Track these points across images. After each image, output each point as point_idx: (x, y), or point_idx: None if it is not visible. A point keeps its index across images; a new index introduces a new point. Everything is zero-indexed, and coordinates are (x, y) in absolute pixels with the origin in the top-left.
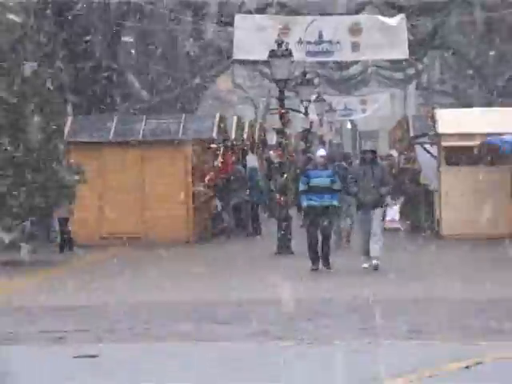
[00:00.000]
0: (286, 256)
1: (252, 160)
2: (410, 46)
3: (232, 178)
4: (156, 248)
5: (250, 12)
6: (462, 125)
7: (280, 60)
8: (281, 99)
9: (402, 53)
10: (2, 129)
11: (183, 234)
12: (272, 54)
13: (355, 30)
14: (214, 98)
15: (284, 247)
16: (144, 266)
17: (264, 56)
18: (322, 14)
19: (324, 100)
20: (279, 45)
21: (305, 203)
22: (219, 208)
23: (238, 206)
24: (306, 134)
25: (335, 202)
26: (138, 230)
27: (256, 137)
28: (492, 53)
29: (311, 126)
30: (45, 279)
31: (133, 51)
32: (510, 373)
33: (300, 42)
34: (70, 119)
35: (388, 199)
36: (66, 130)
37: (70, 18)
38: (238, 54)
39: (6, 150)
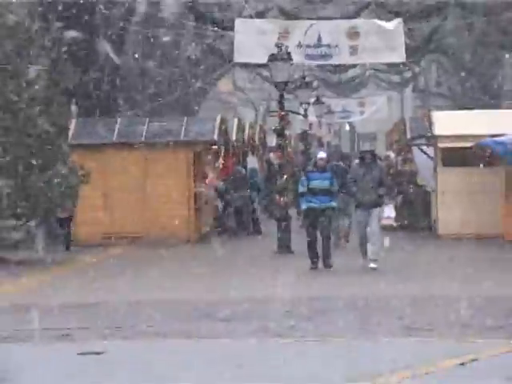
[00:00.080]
0: (285, 255)
1: (252, 161)
2: (406, 49)
3: (233, 178)
4: (158, 247)
5: (250, 16)
6: (457, 127)
7: (280, 63)
8: (280, 101)
9: (399, 56)
10: (7, 130)
11: (185, 233)
12: (272, 57)
13: (353, 33)
14: (215, 100)
15: (284, 247)
16: (146, 265)
17: (264, 59)
18: (320, 19)
19: (323, 102)
20: (279, 48)
21: (304, 205)
22: (220, 208)
23: (238, 207)
24: (305, 136)
25: (334, 204)
26: (140, 230)
27: (256, 138)
28: (487, 56)
29: (310, 128)
30: (49, 278)
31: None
32: (505, 370)
33: (299, 45)
34: (74, 121)
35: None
36: (70, 131)
37: (74, 22)
38: (238, 58)
39: (11, 151)
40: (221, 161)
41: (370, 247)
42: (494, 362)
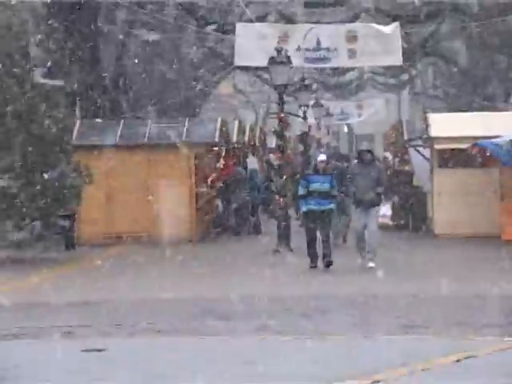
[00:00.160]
0: (285, 254)
1: (252, 162)
2: (403, 53)
3: (233, 179)
4: (160, 247)
5: (250, 20)
6: (453, 128)
7: (279, 66)
8: (280, 104)
9: (396, 59)
10: (13, 132)
11: (186, 233)
12: (272, 60)
13: (351, 37)
14: (216, 102)
15: (283, 246)
16: (148, 264)
17: (264, 62)
18: (319, 23)
19: (322, 105)
20: (278, 52)
21: (304, 208)
22: (221, 208)
23: (239, 206)
24: (305, 137)
25: (333, 206)
26: (142, 230)
27: (256, 140)
28: (482, 59)
29: (309, 130)
30: (52, 277)
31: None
32: (500, 367)
33: (298, 49)
34: (78, 123)
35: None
36: (74, 133)
37: (78, 25)
38: (239, 61)
39: (16, 152)
40: (222, 162)
41: (368, 246)
42: (489, 360)
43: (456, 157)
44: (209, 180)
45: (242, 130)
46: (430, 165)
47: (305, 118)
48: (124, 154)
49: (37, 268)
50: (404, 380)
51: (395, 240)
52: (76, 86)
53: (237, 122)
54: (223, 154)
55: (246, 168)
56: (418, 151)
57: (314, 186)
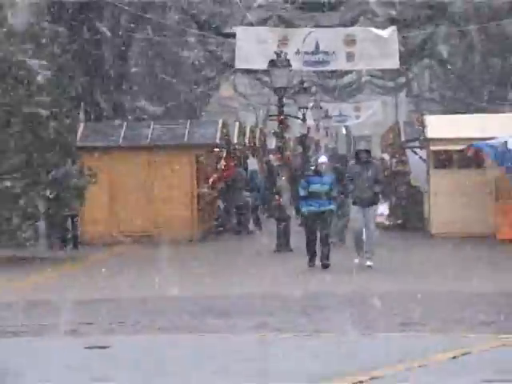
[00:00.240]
0: (284, 253)
1: (253, 163)
2: (400, 56)
3: (234, 179)
4: (162, 246)
5: (251, 24)
6: (449, 130)
7: (279, 69)
8: (280, 106)
9: (393, 63)
10: (18, 133)
11: (188, 232)
12: (271, 63)
13: (350, 41)
14: (217, 104)
15: (283, 245)
16: (150, 263)
17: (264, 65)
18: (318, 27)
19: (320, 107)
20: (278, 55)
21: (304, 209)
22: (222, 208)
23: (239, 207)
24: (304, 139)
25: (333, 207)
26: (145, 229)
27: (257, 141)
28: (477, 63)
29: (308, 131)
30: (57, 275)
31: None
32: (495, 364)
33: (298, 52)
34: (82, 125)
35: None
36: (78, 135)
37: (82, 29)
38: (239, 64)
39: (21, 153)
40: (223, 163)
41: (366, 245)
42: (484, 356)
43: (452, 158)
44: (210, 181)
45: (242, 132)
46: (426, 166)
47: (304, 119)
48: (127, 155)
49: (41, 267)
50: (401, 376)
51: (393, 239)
52: (80, 89)
53: (237, 124)
54: (224, 155)
55: (246, 169)
56: (414, 152)
57: (315, 187)
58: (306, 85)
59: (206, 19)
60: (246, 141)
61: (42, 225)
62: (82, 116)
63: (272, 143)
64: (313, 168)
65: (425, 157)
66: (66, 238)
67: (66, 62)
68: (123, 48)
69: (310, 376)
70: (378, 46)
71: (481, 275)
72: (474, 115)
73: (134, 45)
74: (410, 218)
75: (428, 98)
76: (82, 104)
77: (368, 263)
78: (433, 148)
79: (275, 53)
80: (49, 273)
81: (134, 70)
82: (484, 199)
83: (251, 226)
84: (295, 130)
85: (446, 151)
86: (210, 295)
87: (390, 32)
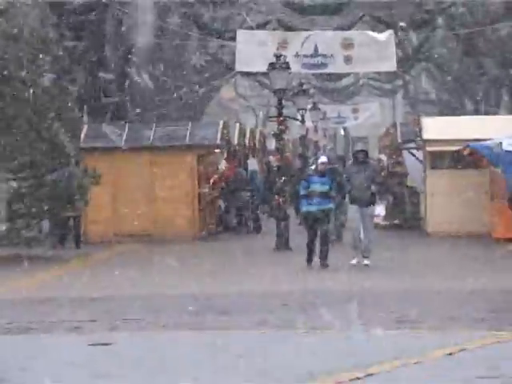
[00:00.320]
0: (284, 252)
1: (253, 163)
2: (397, 59)
3: (234, 180)
4: (164, 245)
5: (251, 28)
6: (445, 131)
7: (278, 72)
8: (279, 108)
9: (390, 65)
10: (23, 135)
11: (189, 232)
12: (271, 66)
13: (347, 44)
14: (218, 106)
15: (282, 244)
16: (152, 262)
17: (264, 68)
18: (317, 30)
19: (319, 109)
20: (278, 58)
21: (304, 208)
22: (223, 208)
23: (240, 206)
24: (303, 140)
25: (332, 206)
26: (147, 229)
27: (256, 142)
28: (473, 66)
29: (307, 133)
30: (61, 274)
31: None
32: (490, 360)
33: (297, 55)
34: (85, 126)
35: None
36: (82, 136)
37: (86, 32)
38: (240, 67)
39: (27, 154)
40: (223, 163)
41: (363, 244)
42: (479, 353)
43: (448, 158)
44: (211, 181)
45: (242, 133)
46: (423, 166)
47: (303, 121)
48: (129, 156)
49: (46, 265)
50: (397, 373)
51: (389, 239)
52: (83, 91)
53: (238, 125)
54: (225, 155)
55: (246, 169)
56: (411, 153)
57: (315, 187)
58: (304, 87)
59: (206, 23)
60: (246, 142)
61: (46, 224)
62: (85, 118)
63: (272, 144)
64: (313, 168)
65: (421, 158)
66: (66, 237)
67: (70, 64)
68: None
69: (309, 372)
70: (375, 49)
71: (476, 273)
72: (470, 117)
73: (137, 48)
74: (407, 217)
75: (424, 99)
76: (86, 106)
77: (365, 262)
78: (429, 149)
79: (275, 56)
80: (53, 271)
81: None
82: (479, 199)
83: (251, 225)
84: (294, 131)
85: (442, 152)
86: (212, 293)
87: (387, 35)
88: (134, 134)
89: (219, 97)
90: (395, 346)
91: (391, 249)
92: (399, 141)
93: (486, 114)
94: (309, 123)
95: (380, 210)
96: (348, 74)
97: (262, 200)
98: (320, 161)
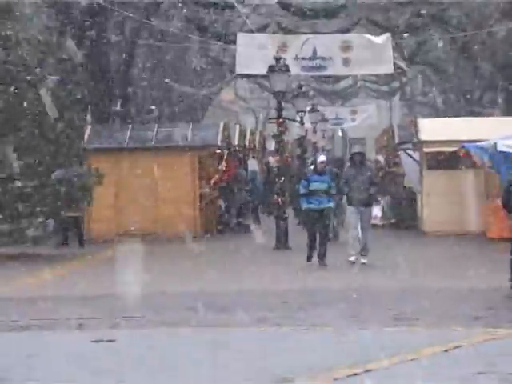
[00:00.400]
0: (283, 251)
1: (253, 164)
2: (394, 61)
3: (234, 180)
4: (166, 244)
5: (251, 31)
6: (441, 133)
7: (278, 74)
8: (279, 109)
9: (387, 68)
10: (29, 136)
11: (190, 231)
12: (271, 68)
13: (346, 47)
14: (218, 108)
15: (281, 243)
16: (154, 261)
17: (264, 71)
18: (315, 33)
19: (318, 110)
20: (277, 61)
21: (305, 205)
22: (223, 207)
23: (240, 206)
24: (302, 141)
25: (331, 205)
26: (149, 228)
27: (256, 143)
28: (469, 68)
29: (306, 134)
30: (65, 272)
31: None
32: (484, 356)
33: (296, 58)
34: (89, 128)
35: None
36: (86, 137)
37: (89, 36)
38: (240, 69)
39: (32, 154)
40: (224, 164)
41: (361, 244)
42: (474, 350)
43: (444, 159)
44: (212, 181)
45: (242, 134)
46: (419, 167)
47: (302, 122)
48: (132, 156)
49: (50, 264)
50: (395, 369)
51: (387, 238)
52: (87, 93)
53: (238, 127)
54: (225, 156)
55: (246, 170)
56: (408, 154)
57: (315, 186)
58: (303, 89)
59: (207, 26)
60: (247, 143)
61: (50, 223)
62: (89, 119)
63: (271, 145)
64: (313, 167)
65: (418, 158)
66: (68, 237)
67: (74, 66)
68: (128, 54)
69: (308, 368)
70: (372, 52)
71: (472, 272)
72: (466, 118)
73: (139, 51)
74: (404, 217)
75: (421, 101)
76: (89, 107)
77: (363, 260)
78: (426, 150)
79: (274, 58)
80: (57, 270)
81: (138, 74)
82: (474, 199)
83: (251, 224)
84: (293, 132)
85: (438, 153)
86: (212, 290)
87: (384, 39)
88: (136, 135)
89: (220, 99)
90: (392, 343)
91: (388, 248)
92: (396, 142)
93: (481, 115)
94: (308, 125)
95: (376, 211)
96: (346, 77)
97: (262, 199)
98: (319, 160)
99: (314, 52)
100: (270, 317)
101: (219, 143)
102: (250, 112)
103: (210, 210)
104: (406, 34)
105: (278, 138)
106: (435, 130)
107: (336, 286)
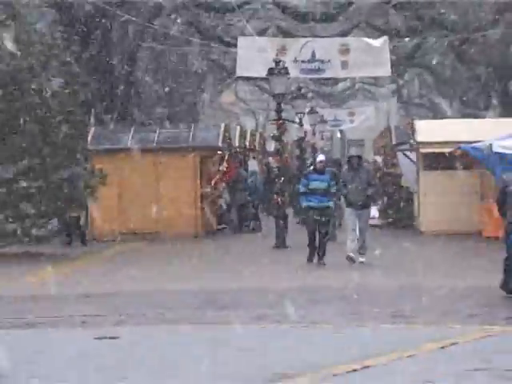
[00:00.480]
0: (283, 250)
1: (253, 165)
2: (392, 64)
3: (235, 180)
4: (168, 242)
5: (251, 34)
6: (437, 134)
7: (278, 77)
8: (278, 111)
9: (385, 71)
10: (33, 137)
11: (192, 230)
12: (270, 71)
13: (344, 50)
14: (219, 110)
15: (281, 242)
16: (156, 259)
17: (263, 73)
18: (314, 36)
19: (316, 112)
20: (277, 63)
21: (304, 203)
22: (224, 207)
23: (240, 206)
24: (301, 142)
25: (331, 204)
26: (151, 227)
27: (256, 144)
28: (464, 71)
29: (305, 135)
30: (68, 270)
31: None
32: (481, 353)
33: (295, 60)
34: (92, 129)
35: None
36: (89, 138)
37: (93, 39)
38: (240, 72)
39: (36, 155)
40: (225, 164)
41: (359, 243)
42: (470, 347)
43: (440, 160)
44: (213, 181)
45: (243, 135)
46: (416, 167)
47: (301, 124)
48: (134, 157)
49: (54, 262)
50: (392, 365)
51: (384, 237)
52: (90, 95)
53: (238, 128)
54: (226, 157)
55: (246, 170)
56: (405, 155)
57: (314, 184)
58: (303, 91)
59: (208, 29)
60: (247, 144)
61: (54, 223)
62: (92, 120)
63: (271, 146)
64: (312, 166)
65: (415, 159)
66: (71, 236)
67: (78, 69)
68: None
69: (308, 365)
70: (370, 55)
71: (467, 270)
72: (461, 120)
73: (142, 53)
74: (401, 216)
75: (418, 103)
76: (93, 109)
77: (361, 259)
78: (422, 151)
79: (274, 61)
80: (61, 268)
81: (141, 77)
82: (470, 199)
83: (251, 224)
84: (293, 133)
85: (434, 154)
86: (213, 288)
87: (381, 42)
88: (138, 136)
89: (220, 101)
90: (390, 340)
91: (386, 247)
92: (394, 143)
93: (477, 117)
94: (307, 126)
95: (374, 212)
96: (344, 79)
97: (262, 200)
98: (318, 159)
99: (313, 55)
100: (270, 314)
101: (220, 144)
102: (251, 114)
103: (211, 210)
104: (407, 39)
105: (278, 139)
106: (431, 131)
107: (335, 284)
